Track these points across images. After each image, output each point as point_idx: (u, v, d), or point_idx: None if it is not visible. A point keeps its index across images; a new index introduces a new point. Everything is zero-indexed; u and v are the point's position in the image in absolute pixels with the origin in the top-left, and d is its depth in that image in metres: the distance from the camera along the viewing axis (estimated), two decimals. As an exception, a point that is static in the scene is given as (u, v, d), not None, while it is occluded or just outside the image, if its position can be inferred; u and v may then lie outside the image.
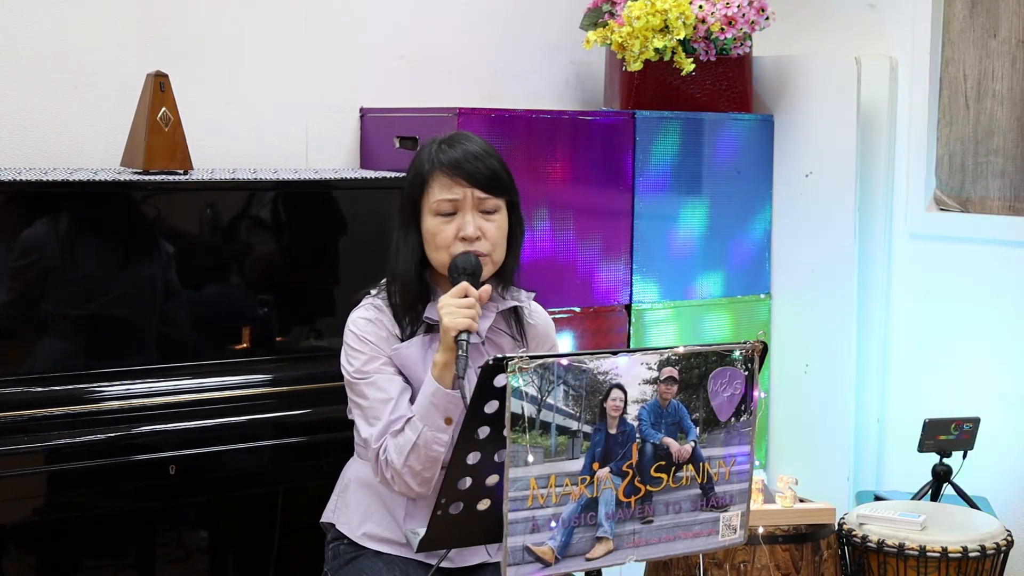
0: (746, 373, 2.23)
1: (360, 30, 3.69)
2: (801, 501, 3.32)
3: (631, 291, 3.73)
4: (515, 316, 2.68)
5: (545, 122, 3.53)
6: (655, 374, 2.13)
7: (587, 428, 2.08)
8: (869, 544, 3.21)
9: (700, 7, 3.75)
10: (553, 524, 2.07)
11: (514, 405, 2.01)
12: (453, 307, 2.42)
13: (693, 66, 3.76)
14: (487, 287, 2.53)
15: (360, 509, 2.61)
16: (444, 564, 2.48)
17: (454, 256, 2.52)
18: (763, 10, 3.83)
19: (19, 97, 3.16)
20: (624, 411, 2.11)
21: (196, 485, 2.87)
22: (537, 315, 2.73)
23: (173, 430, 2.83)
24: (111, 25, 3.27)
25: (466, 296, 2.45)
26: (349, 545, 2.62)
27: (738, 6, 3.77)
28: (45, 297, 2.82)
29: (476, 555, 2.59)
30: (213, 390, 2.94)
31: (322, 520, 2.71)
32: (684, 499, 2.21)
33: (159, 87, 3.05)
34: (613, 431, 2.11)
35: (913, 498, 3.55)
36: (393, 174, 3.33)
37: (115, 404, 2.81)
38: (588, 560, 2.13)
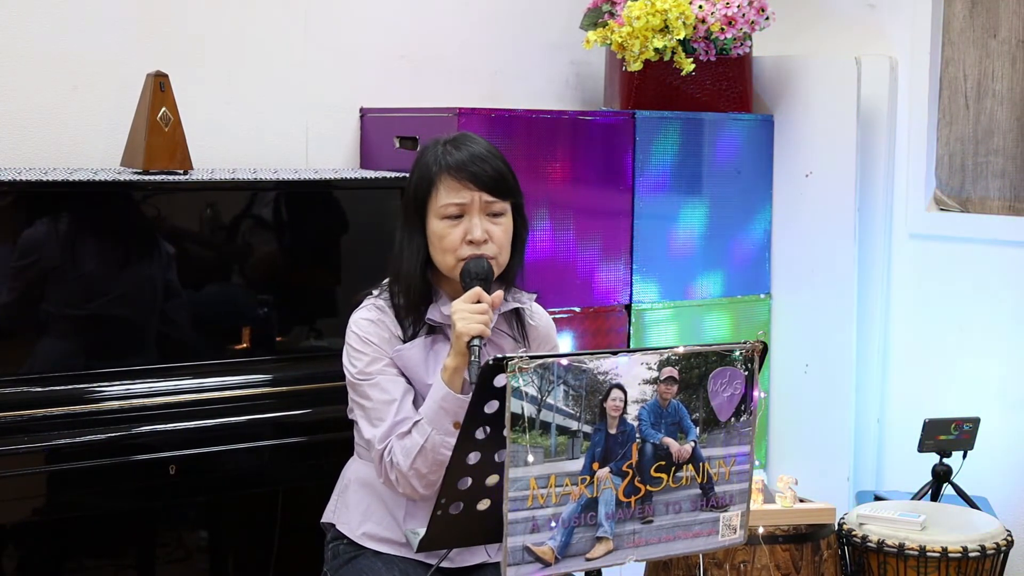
0: (746, 373, 2.23)
1: (360, 30, 3.69)
2: (801, 501, 3.31)
3: (631, 291, 3.73)
4: (516, 317, 2.68)
5: (545, 122, 3.52)
6: (655, 374, 2.13)
7: (587, 428, 2.08)
8: (869, 544, 3.21)
9: (700, 7, 3.75)
10: (553, 524, 2.07)
11: (514, 405, 2.00)
12: (467, 312, 2.42)
13: (693, 66, 3.76)
14: (499, 293, 2.52)
15: (360, 509, 2.61)
16: (444, 564, 2.48)
17: (465, 260, 2.51)
18: (763, 10, 3.82)
19: (19, 97, 3.16)
20: (624, 411, 2.11)
21: (196, 485, 2.87)
22: (538, 316, 2.73)
23: (173, 430, 2.83)
24: (111, 25, 3.27)
25: (479, 302, 2.45)
26: (349, 545, 2.62)
27: (738, 6, 3.77)
28: (45, 297, 2.82)
29: (476, 555, 2.59)
30: (213, 390, 2.94)
31: (322, 520, 2.71)
32: (684, 499, 2.21)
33: (159, 87, 3.05)
34: (613, 431, 2.11)
35: (913, 498, 3.55)
36: (393, 174, 3.33)
37: (115, 404, 2.81)
38: (588, 560, 2.13)
